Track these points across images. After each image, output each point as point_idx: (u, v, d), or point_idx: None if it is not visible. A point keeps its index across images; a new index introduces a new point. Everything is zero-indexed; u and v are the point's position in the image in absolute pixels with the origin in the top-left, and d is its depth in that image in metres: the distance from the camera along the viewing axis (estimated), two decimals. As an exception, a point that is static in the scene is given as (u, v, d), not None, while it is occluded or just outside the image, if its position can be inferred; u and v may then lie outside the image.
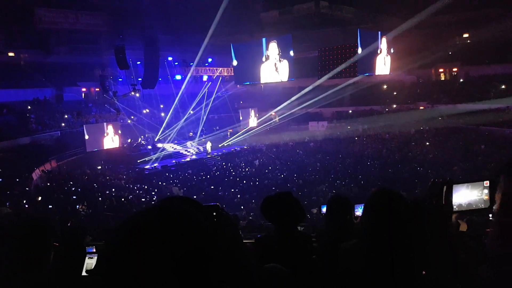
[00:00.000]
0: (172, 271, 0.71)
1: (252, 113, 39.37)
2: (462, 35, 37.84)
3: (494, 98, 31.40)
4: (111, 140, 29.37)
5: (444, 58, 37.91)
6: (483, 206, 2.00)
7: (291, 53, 28.26)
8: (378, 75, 30.92)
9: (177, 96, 34.03)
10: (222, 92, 39.11)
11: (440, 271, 1.64)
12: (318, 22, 27.40)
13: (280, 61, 28.70)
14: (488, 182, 1.96)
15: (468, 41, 37.71)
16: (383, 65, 29.17)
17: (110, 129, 29.26)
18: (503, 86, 33.20)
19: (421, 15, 26.83)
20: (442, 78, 41.76)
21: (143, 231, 0.76)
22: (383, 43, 28.75)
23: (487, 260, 1.41)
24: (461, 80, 38.96)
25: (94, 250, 3.90)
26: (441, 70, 41.37)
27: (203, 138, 34.04)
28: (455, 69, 40.44)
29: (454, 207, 1.74)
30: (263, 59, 29.12)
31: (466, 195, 1.91)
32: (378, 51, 28.23)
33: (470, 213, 1.91)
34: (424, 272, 1.79)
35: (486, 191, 1.99)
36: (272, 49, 28.75)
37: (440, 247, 1.61)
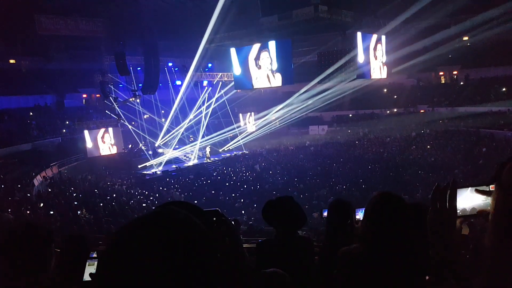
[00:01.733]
0: (170, 277, 0.71)
1: (251, 117, 39.48)
2: (462, 38, 37.89)
3: (494, 100, 31.38)
4: (106, 149, 29.59)
5: (444, 61, 37.92)
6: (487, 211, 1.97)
7: (291, 57, 28.27)
8: (377, 78, 30.90)
9: (180, 102, 34.12)
10: (221, 97, 39.15)
11: (443, 276, 1.63)
12: (317, 26, 27.44)
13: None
14: (494, 186, 1.93)
15: (468, 44, 37.75)
16: (379, 69, 29.15)
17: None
18: (503, 89, 33.19)
19: (420, 18, 26.91)
20: (443, 81, 41.77)
21: (141, 237, 0.76)
22: (379, 47, 28.70)
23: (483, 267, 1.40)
24: (462, 83, 38.96)
25: (95, 255, 3.90)
26: (441, 73, 41.39)
27: (204, 143, 34.07)
28: (455, 72, 40.47)
29: (458, 211, 1.72)
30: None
31: (470, 199, 1.89)
32: (374, 56, 28.22)
33: (474, 217, 1.89)
34: (427, 278, 1.77)
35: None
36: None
37: (444, 252, 1.60)
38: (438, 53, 34.03)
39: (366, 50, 27.07)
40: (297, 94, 35.25)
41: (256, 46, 29.15)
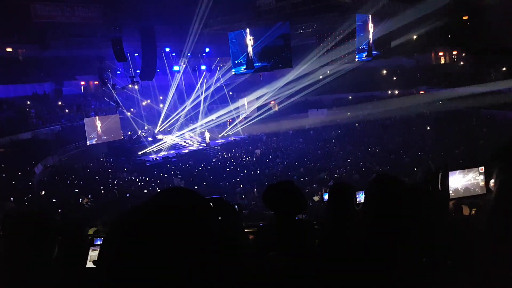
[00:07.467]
0: (170, 264, 0.71)
1: (249, 101, 39.39)
2: (462, 17, 37.47)
3: (495, 80, 31.21)
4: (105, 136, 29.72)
5: (443, 41, 37.58)
6: (479, 191, 1.97)
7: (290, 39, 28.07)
8: (377, 60, 30.75)
9: (175, 87, 34.01)
10: (219, 81, 39.00)
11: (439, 257, 1.63)
12: (316, 7, 27.15)
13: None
14: (483, 168, 1.93)
15: (468, 23, 37.36)
16: (378, 50, 28.95)
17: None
18: (503, 68, 32.98)
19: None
20: (442, 61, 41.50)
21: (142, 225, 0.76)
22: (378, 28, 28.43)
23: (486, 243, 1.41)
24: (461, 63, 38.70)
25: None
26: (441, 53, 41.10)
27: (202, 129, 34.06)
28: (455, 52, 40.17)
29: (451, 192, 1.72)
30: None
31: (461, 181, 1.89)
32: (373, 37, 28.00)
33: (471, 198, 1.90)
34: (424, 259, 1.78)
35: (482, 177, 1.96)
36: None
37: (439, 233, 1.60)
38: (438, 33, 33.74)
39: (365, 31, 26.89)
40: (295, 76, 35.04)
41: (253, 29, 28.92)
